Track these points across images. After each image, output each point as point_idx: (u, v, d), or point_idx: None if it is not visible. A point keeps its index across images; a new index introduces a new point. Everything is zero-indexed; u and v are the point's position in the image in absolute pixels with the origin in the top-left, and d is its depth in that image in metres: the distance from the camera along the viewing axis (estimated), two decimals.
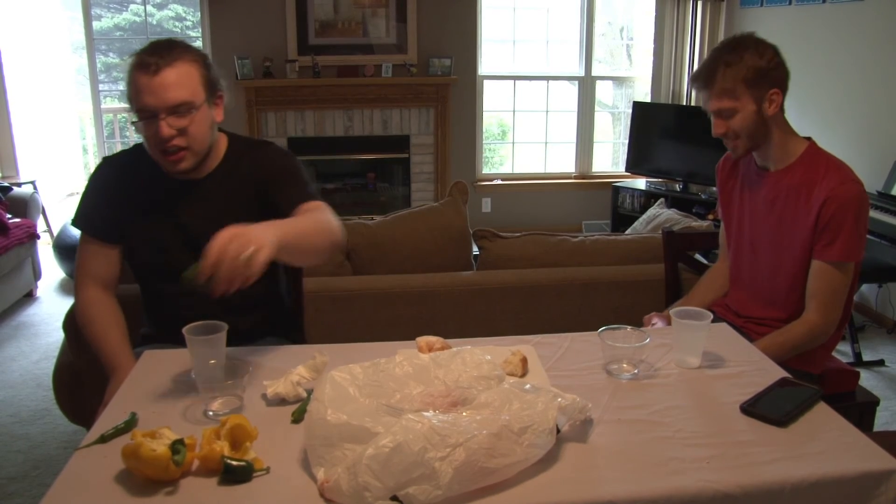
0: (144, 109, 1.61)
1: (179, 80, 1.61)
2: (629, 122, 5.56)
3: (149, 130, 1.64)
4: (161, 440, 1.13)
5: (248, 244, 1.29)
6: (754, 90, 1.80)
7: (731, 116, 1.84)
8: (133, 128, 1.67)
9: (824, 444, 1.24)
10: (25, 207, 4.43)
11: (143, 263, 1.85)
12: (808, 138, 1.92)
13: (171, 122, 1.61)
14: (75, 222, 1.82)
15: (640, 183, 5.55)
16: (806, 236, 1.84)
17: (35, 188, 4.90)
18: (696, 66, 4.31)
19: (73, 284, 1.85)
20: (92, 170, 1.88)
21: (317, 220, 1.60)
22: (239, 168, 1.78)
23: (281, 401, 1.37)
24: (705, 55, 3.84)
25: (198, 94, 1.65)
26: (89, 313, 1.78)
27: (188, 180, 1.75)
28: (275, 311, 1.96)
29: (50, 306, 4.34)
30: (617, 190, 5.52)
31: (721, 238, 2.18)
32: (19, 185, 4.83)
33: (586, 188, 5.97)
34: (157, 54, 1.61)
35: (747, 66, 1.79)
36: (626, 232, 3.29)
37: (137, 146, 1.81)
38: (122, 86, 5.89)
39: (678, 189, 5.28)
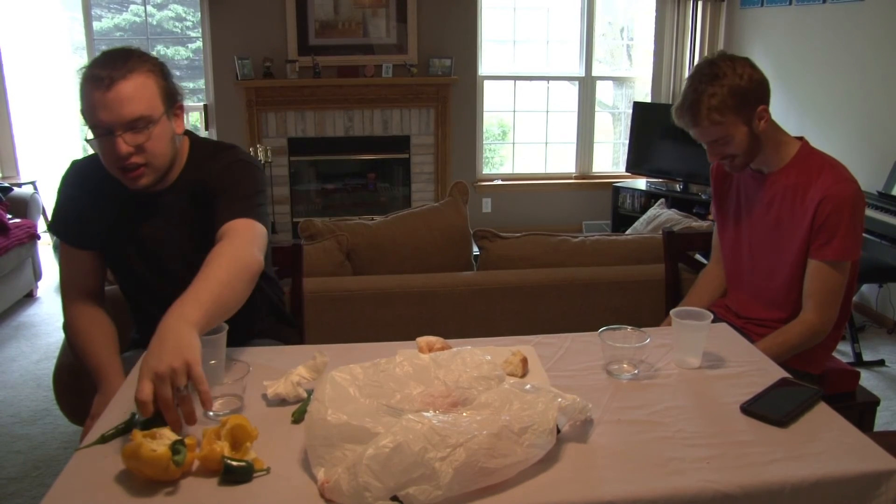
0: (99, 126, 1.51)
1: (135, 94, 1.51)
2: (629, 123, 5.56)
3: (105, 148, 1.54)
4: (161, 440, 1.13)
5: (174, 375, 1.18)
6: (742, 114, 1.80)
7: (726, 144, 1.85)
8: (88, 145, 1.61)
9: (824, 444, 1.24)
10: (25, 208, 4.43)
11: (115, 273, 1.81)
12: (801, 138, 1.92)
13: (128, 138, 1.52)
14: (50, 228, 1.75)
15: (641, 183, 5.55)
16: (802, 236, 1.84)
17: (35, 188, 4.90)
18: (694, 64, 4.31)
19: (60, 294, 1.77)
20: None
21: (229, 259, 1.44)
22: (198, 178, 1.68)
23: (281, 401, 1.37)
24: (705, 55, 3.85)
25: (155, 108, 1.55)
26: (75, 326, 1.72)
27: (148, 193, 1.66)
28: (273, 312, 1.95)
29: (50, 306, 4.34)
30: (617, 190, 5.53)
31: (714, 240, 2.17)
32: (19, 185, 4.84)
33: (586, 188, 5.97)
34: (109, 66, 1.50)
35: (730, 93, 1.78)
36: (627, 232, 3.29)
37: None
38: None
39: (678, 189, 5.28)
